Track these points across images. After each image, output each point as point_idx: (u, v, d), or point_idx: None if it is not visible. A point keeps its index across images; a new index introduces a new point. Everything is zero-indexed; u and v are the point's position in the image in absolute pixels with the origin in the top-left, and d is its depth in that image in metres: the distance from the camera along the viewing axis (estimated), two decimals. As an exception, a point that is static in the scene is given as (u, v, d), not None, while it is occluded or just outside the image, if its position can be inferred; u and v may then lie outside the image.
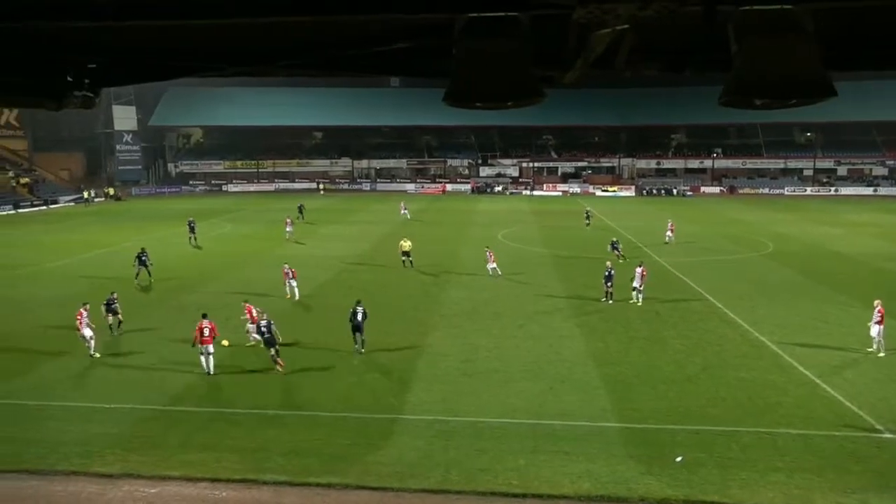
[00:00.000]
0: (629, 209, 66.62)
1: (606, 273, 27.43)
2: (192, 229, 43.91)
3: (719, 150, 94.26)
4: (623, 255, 36.29)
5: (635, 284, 27.13)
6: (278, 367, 19.31)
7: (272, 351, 19.43)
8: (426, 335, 23.04)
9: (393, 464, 14.05)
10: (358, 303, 21.56)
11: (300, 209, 53.15)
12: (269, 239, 45.03)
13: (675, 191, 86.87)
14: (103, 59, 4.62)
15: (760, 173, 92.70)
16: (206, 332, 18.98)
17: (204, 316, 19.61)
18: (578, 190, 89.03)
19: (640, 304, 26.81)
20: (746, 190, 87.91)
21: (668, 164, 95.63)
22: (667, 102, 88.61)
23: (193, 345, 19.17)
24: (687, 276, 32.31)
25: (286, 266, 28.57)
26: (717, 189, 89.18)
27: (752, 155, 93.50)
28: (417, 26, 3.50)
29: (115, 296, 23.14)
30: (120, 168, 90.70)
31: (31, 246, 43.68)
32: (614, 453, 14.51)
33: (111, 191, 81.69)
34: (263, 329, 19.63)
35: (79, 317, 20.70)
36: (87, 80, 4.85)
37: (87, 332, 20.63)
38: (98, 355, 20.63)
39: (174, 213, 62.48)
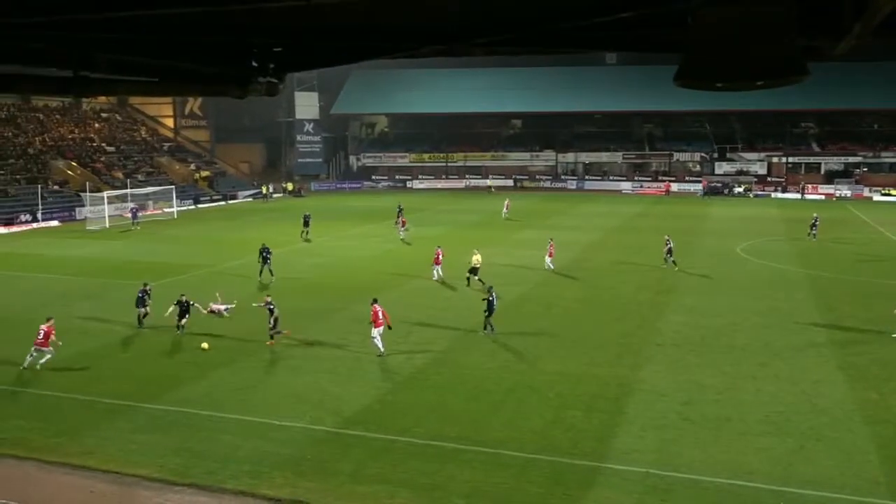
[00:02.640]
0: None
1: None
2: (306, 223, 49.25)
3: None
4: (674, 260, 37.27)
5: None
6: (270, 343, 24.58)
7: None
8: (639, 368, 22.51)
9: (594, 521, 13.88)
10: (490, 289, 26.66)
11: (399, 210, 53.93)
12: (457, 242, 46.19)
13: None
14: (290, 41, 5.06)
15: None
16: (381, 316, 23.24)
17: (374, 301, 23.67)
18: (849, 193, 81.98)
19: None
20: None
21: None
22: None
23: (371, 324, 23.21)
24: None
25: (438, 248, 35.43)
26: None
27: None
28: (645, -9, 3.44)
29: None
30: (299, 161, 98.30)
31: (209, 244, 48.87)
32: (889, 541, 13.20)
33: (290, 186, 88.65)
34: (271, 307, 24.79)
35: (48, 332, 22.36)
36: (271, 65, 5.35)
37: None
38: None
39: (356, 211, 66.76)
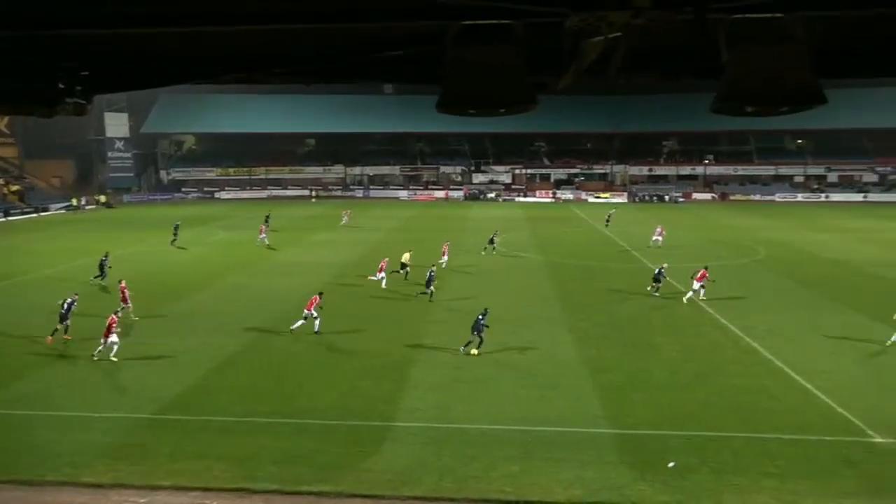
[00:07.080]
0: (621, 216, 66.69)
1: (656, 272, 30.34)
2: (175, 232, 46.14)
3: (711, 157, 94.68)
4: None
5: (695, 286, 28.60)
6: (65, 337, 22.34)
7: (64, 325, 22.41)
8: (420, 341, 23.00)
9: (385, 471, 14.01)
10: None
11: (267, 218, 52.10)
12: (264, 246, 44.84)
13: (667, 197, 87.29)
14: (97, 66, 4.62)
15: (752, 180, 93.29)
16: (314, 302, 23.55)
17: (321, 294, 23.97)
18: (571, 196, 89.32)
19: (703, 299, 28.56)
20: (738, 196, 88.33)
21: (660, 170, 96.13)
22: (659, 109, 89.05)
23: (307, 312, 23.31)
24: (678, 282, 32.37)
25: (386, 260, 32.43)
26: (708, 195, 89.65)
27: (744, 161, 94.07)
28: (411, 34, 3.51)
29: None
30: (111, 175, 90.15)
31: (24, 254, 43.33)
32: (607, 460, 14.52)
33: (102, 198, 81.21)
34: (65, 308, 22.52)
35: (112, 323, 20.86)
36: (79, 87, 4.84)
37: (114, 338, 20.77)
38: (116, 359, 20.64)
39: (167, 219, 62.06)
